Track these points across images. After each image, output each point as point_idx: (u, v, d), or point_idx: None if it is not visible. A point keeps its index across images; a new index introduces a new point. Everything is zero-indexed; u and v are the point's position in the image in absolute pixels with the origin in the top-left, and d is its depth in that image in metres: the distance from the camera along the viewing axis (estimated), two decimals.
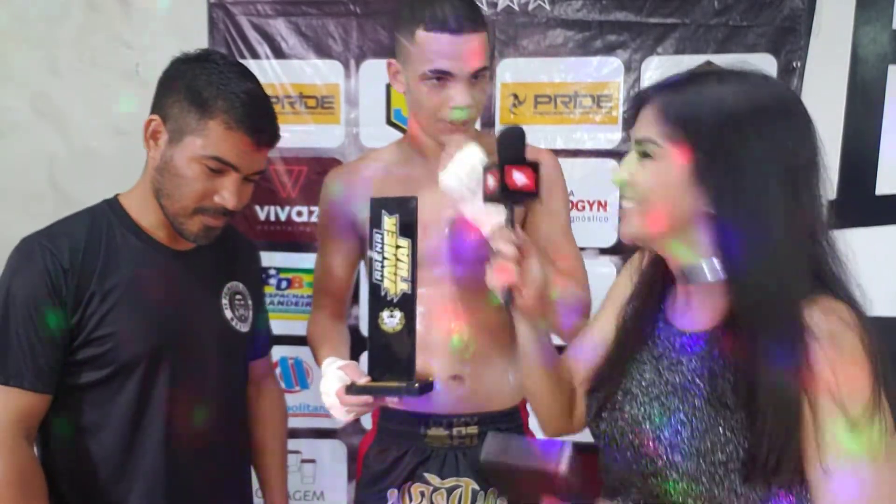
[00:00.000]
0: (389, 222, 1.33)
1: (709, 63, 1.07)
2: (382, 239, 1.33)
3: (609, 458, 1.08)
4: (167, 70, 1.33)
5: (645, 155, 1.00)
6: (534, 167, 1.11)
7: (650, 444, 1.00)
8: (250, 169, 1.31)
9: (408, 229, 1.33)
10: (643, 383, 1.05)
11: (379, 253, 1.33)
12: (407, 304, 1.34)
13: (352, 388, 1.32)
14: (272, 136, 1.34)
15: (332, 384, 1.36)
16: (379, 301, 1.34)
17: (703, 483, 0.95)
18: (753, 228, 0.94)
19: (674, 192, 0.98)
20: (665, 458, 0.97)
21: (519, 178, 1.10)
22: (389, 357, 1.34)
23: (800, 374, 0.90)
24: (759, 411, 0.91)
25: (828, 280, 0.97)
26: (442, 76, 1.39)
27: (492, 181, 1.12)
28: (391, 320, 1.34)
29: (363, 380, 1.33)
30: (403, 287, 1.33)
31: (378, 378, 1.34)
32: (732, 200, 0.95)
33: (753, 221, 0.94)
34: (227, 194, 1.29)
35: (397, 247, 1.33)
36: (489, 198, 1.14)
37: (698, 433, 0.95)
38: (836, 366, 0.89)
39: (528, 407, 1.68)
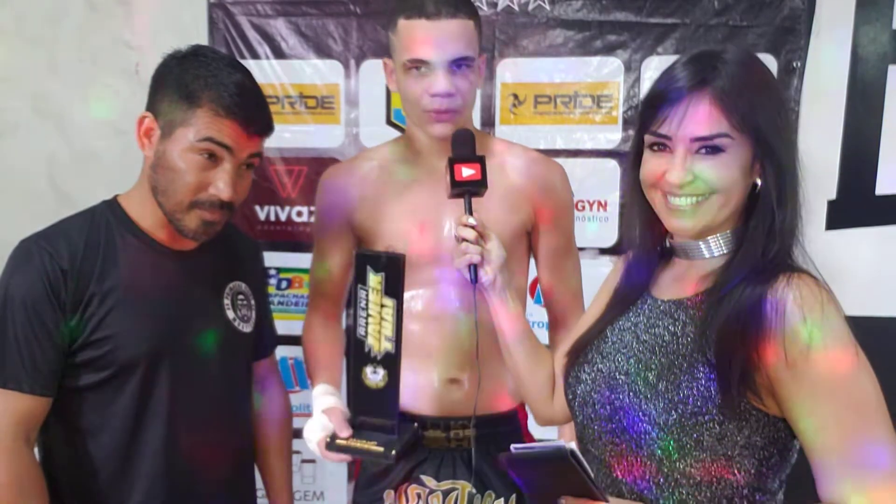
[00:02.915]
0: (375, 280, 1.30)
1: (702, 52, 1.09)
2: (367, 296, 1.31)
3: (584, 419, 1.12)
4: (158, 68, 1.33)
5: (714, 149, 1.02)
6: (480, 160, 1.27)
7: (624, 396, 1.05)
8: (245, 152, 1.30)
9: (394, 289, 1.30)
10: (619, 345, 1.11)
11: (363, 309, 1.32)
12: (390, 363, 1.33)
13: (332, 445, 1.34)
14: (264, 125, 1.33)
15: (316, 432, 1.37)
16: (362, 356, 1.34)
17: (673, 433, 0.99)
18: (791, 191, 1.04)
19: (742, 177, 1.03)
20: (639, 407, 1.02)
21: (465, 171, 1.27)
22: (372, 411, 1.35)
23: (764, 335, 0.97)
24: (721, 363, 0.98)
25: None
26: (420, 64, 1.39)
27: (448, 177, 1.28)
28: (374, 376, 1.34)
29: (345, 433, 1.34)
30: (387, 346, 1.32)
31: (360, 427, 1.35)
32: (780, 169, 1.03)
33: (793, 186, 1.04)
34: (222, 184, 1.28)
35: (382, 305, 1.31)
36: (450, 194, 1.29)
37: (673, 386, 1.00)
38: (805, 343, 0.95)
39: (527, 408, 1.69)
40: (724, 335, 0.98)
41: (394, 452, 1.32)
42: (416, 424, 1.44)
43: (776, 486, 1.04)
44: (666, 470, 1.02)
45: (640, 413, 1.02)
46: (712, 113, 1.00)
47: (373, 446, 1.33)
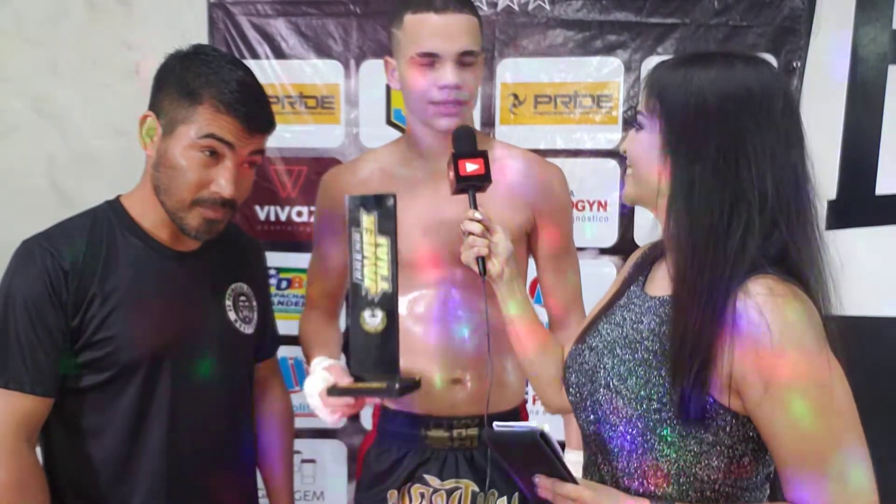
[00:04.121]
0: (368, 220, 1.32)
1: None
2: (361, 238, 1.32)
3: (575, 409, 1.16)
4: (160, 67, 1.34)
5: (640, 125, 1.08)
6: (482, 155, 1.30)
7: (602, 389, 1.08)
8: (246, 149, 1.30)
9: (386, 227, 1.32)
10: (607, 339, 1.13)
11: (358, 252, 1.33)
12: (388, 303, 1.33)
13: (333, 390, 1.33)
14: (265, 122, 1.33)
15: (317, 385, 1.37)
16: (360, 300, 1.34)
17: (638, 427, 1.03)
18: (689, 209, 1.01)
19: (652, 160, 1.05)
20: (611, 402, 1.06)
21: (469, 166, 1.29)
22: (372, 356, 1.34)
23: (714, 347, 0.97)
24: (677, 366, 0.99)
25: (788, 264, 1.01)
26: (429, 57, 1.40)
27: (451, 174, 1.30)
28: (373, 320, 1.34)
29: (346, 381, 1.34)
30: (384, 286, 1.33)
31: (361, 377, 1.34)
32: (680, 178, 1.02)
33: (692, 201, 1.01)
34: (224, 181, 1.28)
35: (376, 245, 1.32)
36: (455, 190, 1.31)
37: (641, 382, 1.04)
38: (765, 348, 0.94)
39: (528, 407, 1.69)
40: (682, 340, 0.99)
41: (397, 386, 1.31)
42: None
43: (756, 481, 1.05)
44: (635, 462, 1.05)
45: (611, 406, 1.06)
46: (645, 88, 1.07)
47: (374, 385, 1.33)
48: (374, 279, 1.33)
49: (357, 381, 1.35)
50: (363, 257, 1.33)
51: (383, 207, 1.32)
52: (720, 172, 0.99)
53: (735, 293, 0.97)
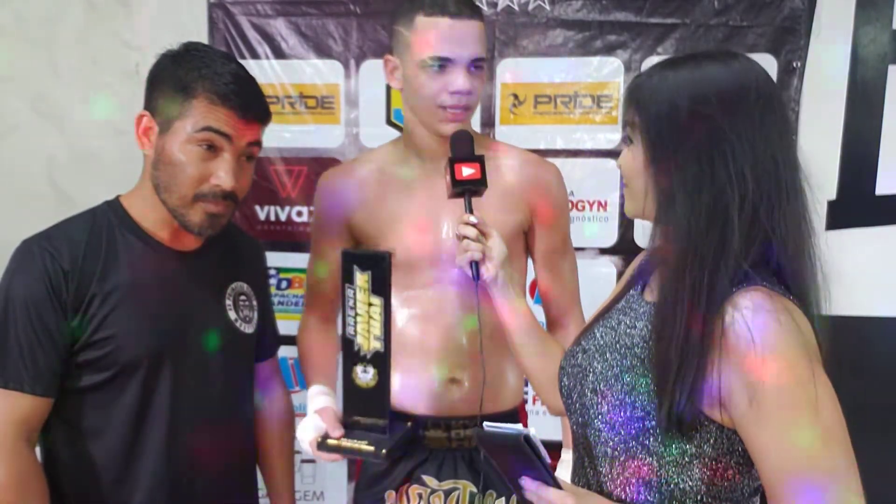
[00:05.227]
0: (361, 279, 1.31)
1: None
2: (354, 295, 1.32)
3: (567, 411, 1.15)
4: (153, 66, 1.34)
5: (629, 140, 1.06)
6: (479, 160, 1.29)
7: (590, 393, 1.07)
8: (243, 140, 1.30)
9: (380, 287, 1.31)
10: (600, 342, 1.11)
11: (352, 308, 1.33)
12: (380, 361, 1.34)
13: (322, 445, 1.36)
14: (261, 111, 1.33)
15: (308, 433, 1.39)
16: (352, 355, 1.35)
17: (621, 434, 1.02)
18: (671, 218, 0.99)
19: (640, 174, 1.03)
20: (597, 407, 1.05)
21: (465, 170, 1.28)
22: (364, 410, 1.37)
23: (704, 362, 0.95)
24: (662, 377, 0.97)
25: (773, 261, 0.99)
26: (442, 62, 1.40)
27: (447, 177, 1.29)
28: (365, 375, 1.35)
29: (336, 433, 1.36)
30: (376, 345, 1.34)
31: (352, 427, 1.37)
32: (663, 188, 1.00)
33: (673, 209, 0.98)
34: (223, 174, 1.28)
35: (370, 304, 1.32)
36: (451, 194, 1.31)
37: (627, 388, 1.02)
38: (751, 361, 0.92)
39: (528, 408, 1.69)
40: (667, 350, 0.97)
41: (384, 451, 1.33)
42: (409, 423, 1.44)
43: (743, 494, 1.02)
44: (618, 468, 1.04)
45: (597, 411, 1.05)
46: (626, 102, 1.05)
47: (363, 445, 1.34)
48: (366, 337, 1.34)
49: (349, 428, 1.37)
50: (356, 314, 1.33)
51: (378, 267, 1.31)
52: (698, 176, 0.97)
53: (724, 307, 0.94)
